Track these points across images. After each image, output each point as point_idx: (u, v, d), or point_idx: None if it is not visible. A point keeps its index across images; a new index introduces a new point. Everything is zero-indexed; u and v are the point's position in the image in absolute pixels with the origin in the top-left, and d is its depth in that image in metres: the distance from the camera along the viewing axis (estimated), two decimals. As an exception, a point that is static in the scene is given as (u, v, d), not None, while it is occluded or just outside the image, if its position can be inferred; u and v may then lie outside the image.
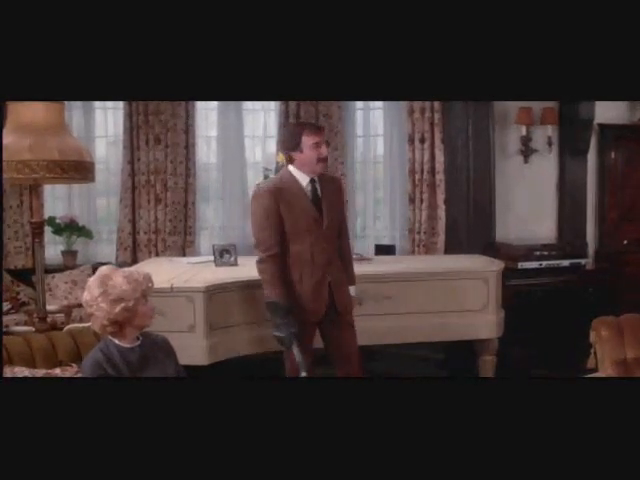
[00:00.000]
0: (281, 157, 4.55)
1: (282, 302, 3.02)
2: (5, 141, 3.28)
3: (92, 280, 2.35)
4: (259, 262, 3.20)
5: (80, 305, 3.25)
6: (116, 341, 2.37)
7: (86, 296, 2.34)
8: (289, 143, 3.23)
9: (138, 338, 2.42)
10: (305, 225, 3.18)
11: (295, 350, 2.93)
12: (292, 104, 5.84)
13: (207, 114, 6.03)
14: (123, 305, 2.30)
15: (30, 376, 2.63)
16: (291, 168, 3.24)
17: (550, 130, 5.99)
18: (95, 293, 2.31)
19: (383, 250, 5.76)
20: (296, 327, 2.91)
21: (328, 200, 3.26)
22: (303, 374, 2.89)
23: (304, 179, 3.22)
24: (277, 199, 3.15)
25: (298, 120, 5.85)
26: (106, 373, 2.29)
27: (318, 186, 3.25)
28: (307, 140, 3.16)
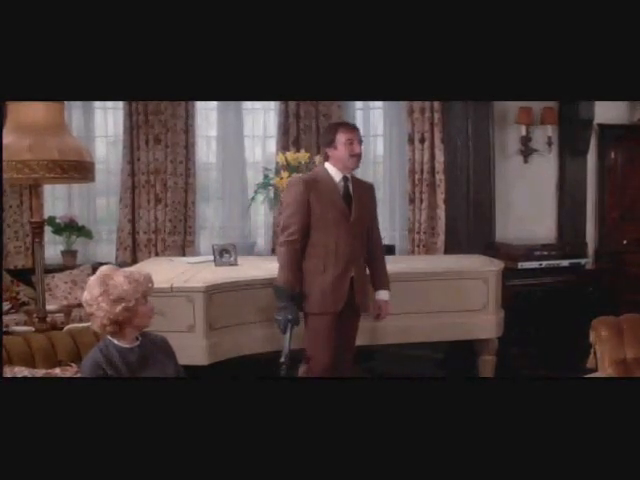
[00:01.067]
0: (281, 157, 4.56)
1: (287, 288, 3.21)
2: (5, 141, 3.28)
3: (92, 280, 2.35)
4: (279, 245, 3.35)
5: (80, 305, 3.25)
6: (115, 341, 2.37)
7: (86, 296, 2.34)
8: (325, 140, 3.43)
9: (137, 338, 2.42)
10: (332, 217, 3.29)
11: (286, 336, 3.07)
12: (292, 104, 5.83)
13: (207, 114, 6.02)
14: (124, 305, 2.30)
15: (30, 376, 2.63)
16: (327, 165, 3.40)
17: (550, 130, 5.98)
18: (96, 293, 2.30)
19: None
20: (295, 315, 3.13)
21: (359, 199, 3.39)
22: (282, 360, 3.00)
23: (337, 175, 3.35)
24: (309, 188, 3.28)
25: (297, 120, 5.86)
26: (105, 373, 2.29)
27: (350, 185, 3.39)
28: (341, 137, 3.32)
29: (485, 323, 4.18)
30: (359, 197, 3.39)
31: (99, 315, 2.31)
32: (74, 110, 5.78)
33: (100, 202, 6.09)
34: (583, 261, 5.77)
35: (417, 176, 5.90)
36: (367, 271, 3.52)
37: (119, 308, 2.29)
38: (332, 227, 3.30)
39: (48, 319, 3.77)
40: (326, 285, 3.28)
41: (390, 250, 5.83)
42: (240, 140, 6.03)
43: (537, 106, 5.88)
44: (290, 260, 3.27)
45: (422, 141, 5.88)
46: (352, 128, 3.44)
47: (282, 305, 3.16)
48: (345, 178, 3.37)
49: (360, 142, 3.38)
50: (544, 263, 5.54)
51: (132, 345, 2.39)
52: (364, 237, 3.44)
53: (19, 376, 2.61)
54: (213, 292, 3.60)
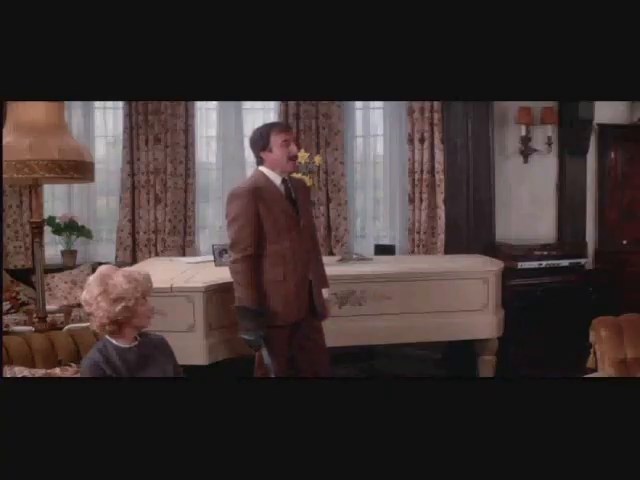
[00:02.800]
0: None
1: (252, 306, 3.05)
2: (5, 141, 3.28)
3: (92, 279, 2.35)
4: (233, 263, 3.13)
5: (80, 305, 3.25)
6: (114, 341, 2.36)
7: (85, 295, 2.33)
8: (258, 143, 3.19)
9: (136, 338, 2.42)
10: (285, 224, 3.14)
11: (264, 353, 2.95)
12: (292, 104, 5.84)
13: (207, 114, 6.03)
14: (123, 304, 2.30)
15: (30, 376, 2.63)
16: (263, 169, 3.20)
17: (550, 130, 6.00)
18: (95, 292, 2.30)
19: (383, 250, 5.75)
20: (265, 330, 2.98)
21: (301, 200, 3.26)
22: (273, 377, 2.91)
23: (277, 179, 3.19)
24: (256, 199, 3.10)
25: (297, 120, 5.86)
26: (105, 374, 2.29)
27: (291, 187, 3.23)
28: (276, 139, 3.14)
29: (485, 323, 4.18)
30: (300, 198, 3.26)
31: (98, 315, 2.31)
32: (74, 110, 5.78)
33: (100, 202, 6.09)
34: (583, 261, 5.79)
35: (417, 176, 5.91)
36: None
37: (119, 308, 2.29)
38: (285, 234, 3.14)
39: (48, 319, 3.77)
40: (289, 294, 3.15)
41: (390, 250, 5.84)
42: (240, 140, 6.02)
43: (537, 106, 5.90)
44: (250, 276, 3.09)
45: (422, 141, 5.88)
46: (287, 128, 3.29)
47: (252, 324, 3.01)
48: (284, 180, 3.21)
49: (297, 143, 3.25)
50: (544, 263, 5.56)
51: (131, 345, 2.39)
52: (313, 238, 3.37)
53: (19, 376, 2.60)
54: (213, 292, 3.60)
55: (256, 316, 3.02)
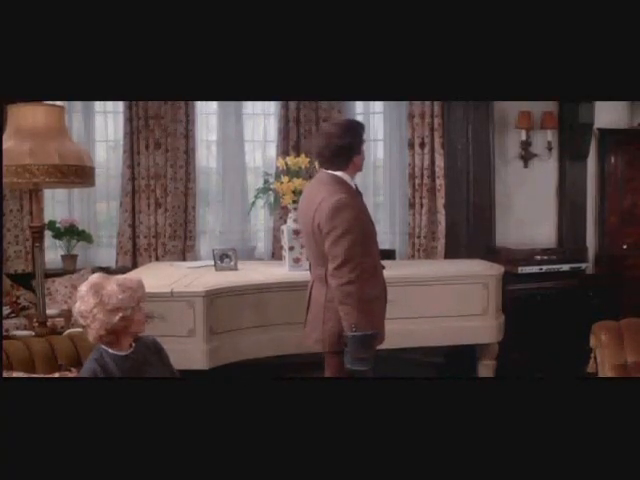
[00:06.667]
0: (281, 162, 4.55)
1: (373, 332, 2.73)
2: (5, 145, 3.28)
3: (85, 290, 2.30)
4: (348, 284, 2.67)
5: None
6: (110, 350, 2.35)
7: (80, 307, 2.29)
8: (354, 146, 2.80)
9: (131, 345, 2.40)
10: (374, 235, 2.90)
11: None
12: (292, 109, 5.84)
13: (207, 118, 6.04)
14: (120, 315, 2.28)
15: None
16: (341, 175, 2.81)
17: (550, 134, 6.00)
18: (90, 304, 2.27)
19: (383, 254, 5.71)
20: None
21: None
22: None
23: (352, 185, 2.85)
24: (359, 208, 2.78)
25: (297, 125, 5.87)
26: (103, 383, 2.28)
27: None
28: (362, 141, 2.87)
29: (485, 328, 4.18)
30: None
31: (95, 327, 2.28)
32: (74, 114, 5.78)
33: (100, 206, 6.09)
34: (583, 265, 5.78)
35: (417, 181, 5.91)
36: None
37: (116, 318, 2.27)
38: (375, 247, 2.89)
39: (48, 323, 3.77)
40: (382, 315, 2.90)
41: (390, 255, 5.84)
42: (240, 145, 6.03)
43: (537, 110, 5.90)
44: (366, 297, 2.70)
45: (422, 146, 5.89)
46: None
47: (370, 354, 2.70)
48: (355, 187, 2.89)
49: None
50: (544, 267, 5.55)
51: (127, 352, 2.38)
52: None
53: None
54: (213, 297, 3.60)
55: (374, 341, 2.73)
